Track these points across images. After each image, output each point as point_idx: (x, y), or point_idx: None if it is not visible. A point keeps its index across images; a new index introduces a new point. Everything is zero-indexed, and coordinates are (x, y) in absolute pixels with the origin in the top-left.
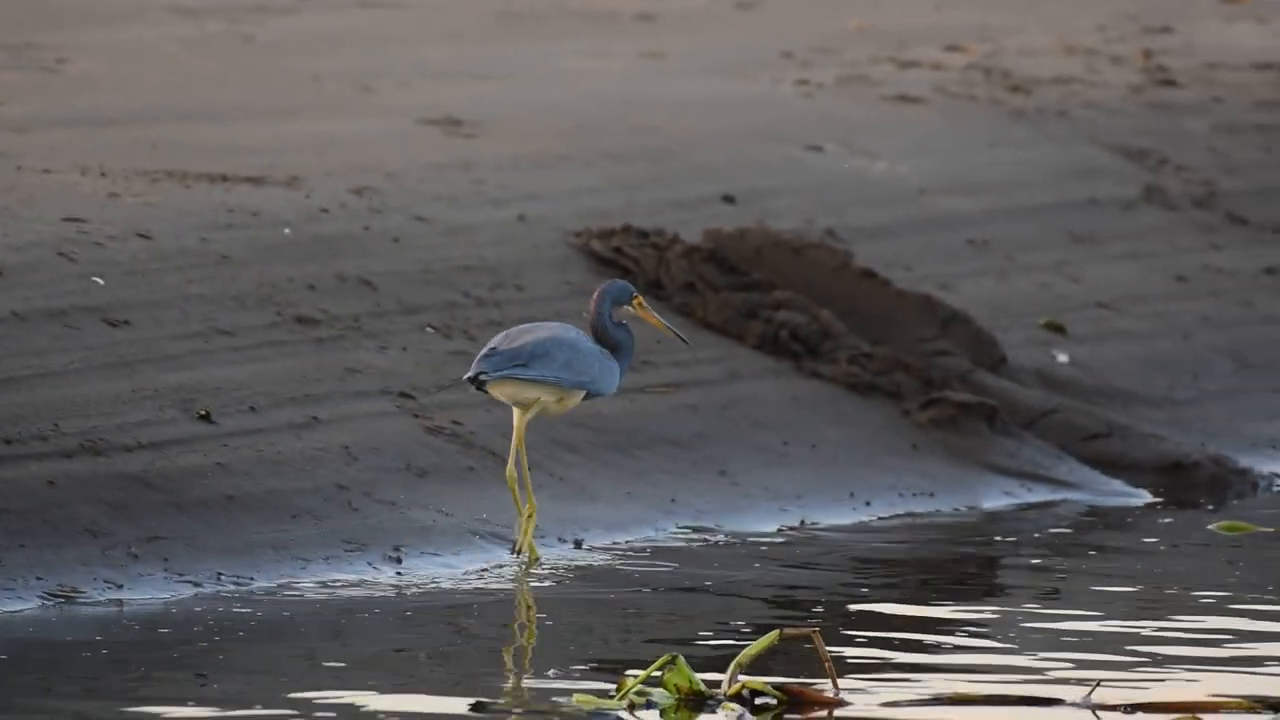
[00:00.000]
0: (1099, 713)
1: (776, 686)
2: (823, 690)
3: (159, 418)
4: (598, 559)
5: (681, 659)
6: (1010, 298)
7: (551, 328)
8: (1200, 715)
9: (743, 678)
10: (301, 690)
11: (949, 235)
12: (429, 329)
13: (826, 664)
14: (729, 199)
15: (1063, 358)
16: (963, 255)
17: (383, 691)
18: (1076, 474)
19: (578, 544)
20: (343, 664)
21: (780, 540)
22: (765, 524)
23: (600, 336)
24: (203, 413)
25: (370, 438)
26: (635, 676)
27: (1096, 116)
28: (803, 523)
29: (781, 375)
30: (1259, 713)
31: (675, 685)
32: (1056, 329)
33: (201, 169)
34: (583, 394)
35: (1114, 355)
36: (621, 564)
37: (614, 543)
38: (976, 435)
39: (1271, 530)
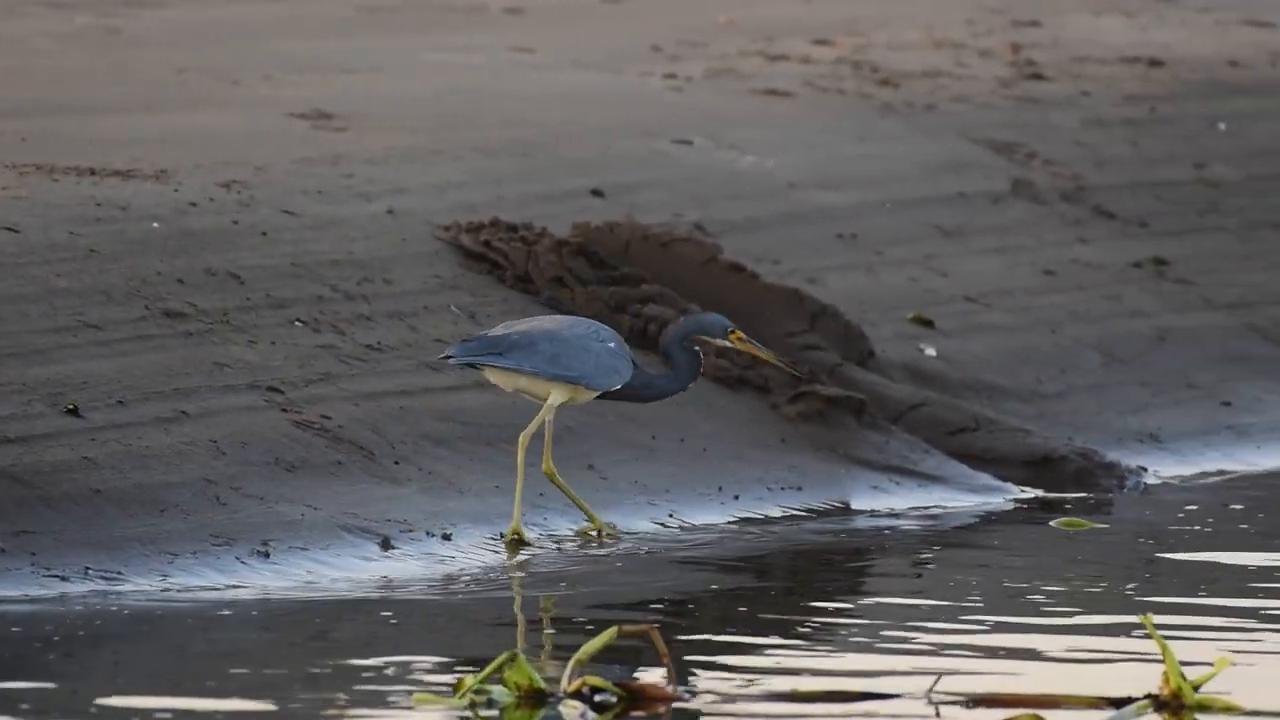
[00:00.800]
0: (940, 708)
1: (617, 684)
2: (662, 687)
3: (26, 412)
4: (461, 556)
5: (522, 656)
6: (878, 292)
7: (556, 320)
8: (1042, 711)
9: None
10: (120, 695)
11: (817, 229)
12: (297, 323)
13: (665, 660)
14: (598, 193)
15: (931, 352)
16: (831, 249)
17: (221, 694)
18: (944, 468)
19: (446, 537)
20: (187, 662)
21: (643, 534)
22: (633, 518)
23: (666, 355)
24: (70, 407)
25: (238, 432)
26: (475, 674)
27: (965, 110)
28: (671, 516)
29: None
30: (1101, 709)
31: (515, 683)
32: (924, 323)
33: (70, 162)
34: (582, 387)
35: (982, 349)
36: (477, 561)
37: (485, 539)
38: (844, 429)
39: (1105, 526)
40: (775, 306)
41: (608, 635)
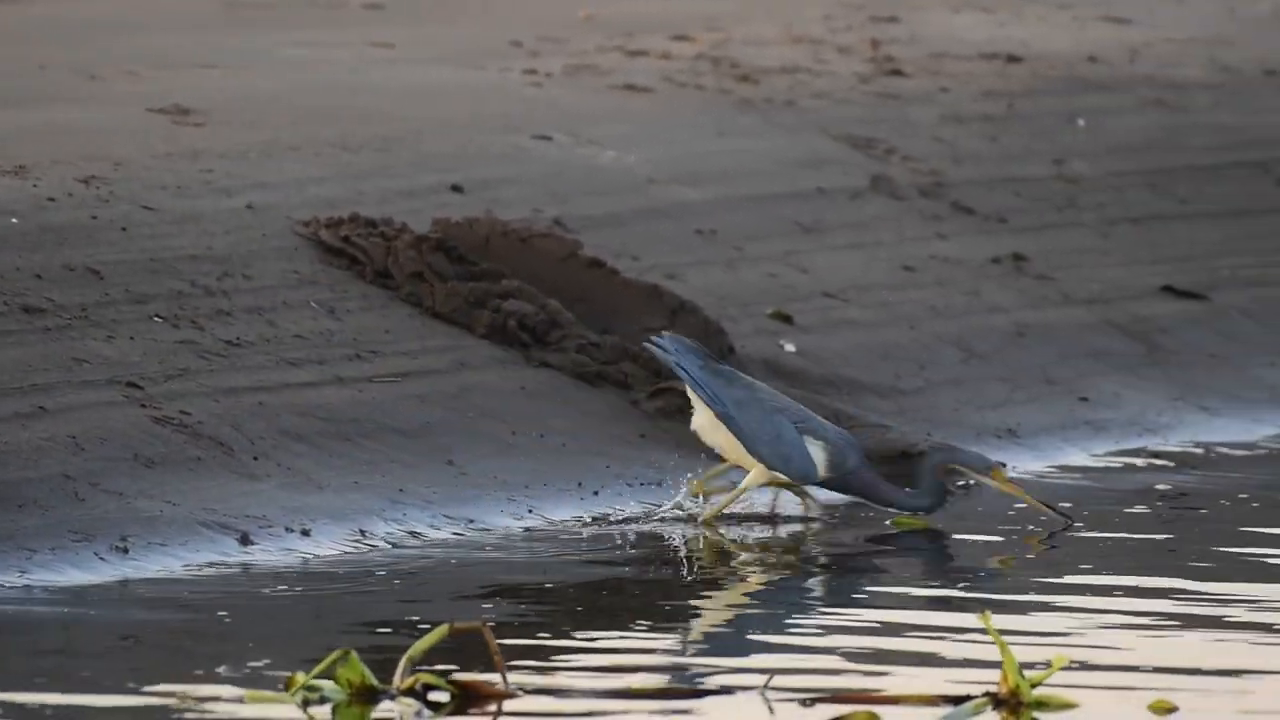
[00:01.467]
0: (774, 705)
1: (449, 680)
2: (493, 684)
3: None
4: (320, 552)
5: (354, 654)
6: (738, 287)
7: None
8: (879, 708)
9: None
10: None
11: (677, 225)
12: (156, 318)
13: (496, 658)
14: (457, 188)
15: (790, 347)
16: (691, 245)
17: (55, 689)
18: None
19: (305, 533)
20: (41, 659)
21: (494, 529)
22: (493, 514)
23: (914, 479)
24: None
25: (97, 428)
26: (307, 672)
27: (824, 106)
28: (530, 511)
29: (510, 365)
30: (939, 706)
31: (348, 680)
32: (784, 319)
33: None
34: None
35: (841, 345)
36: (335, 557)
37: (344, 535)
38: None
39: (941, 526)
40: (634, 302)
41: (439, 633)
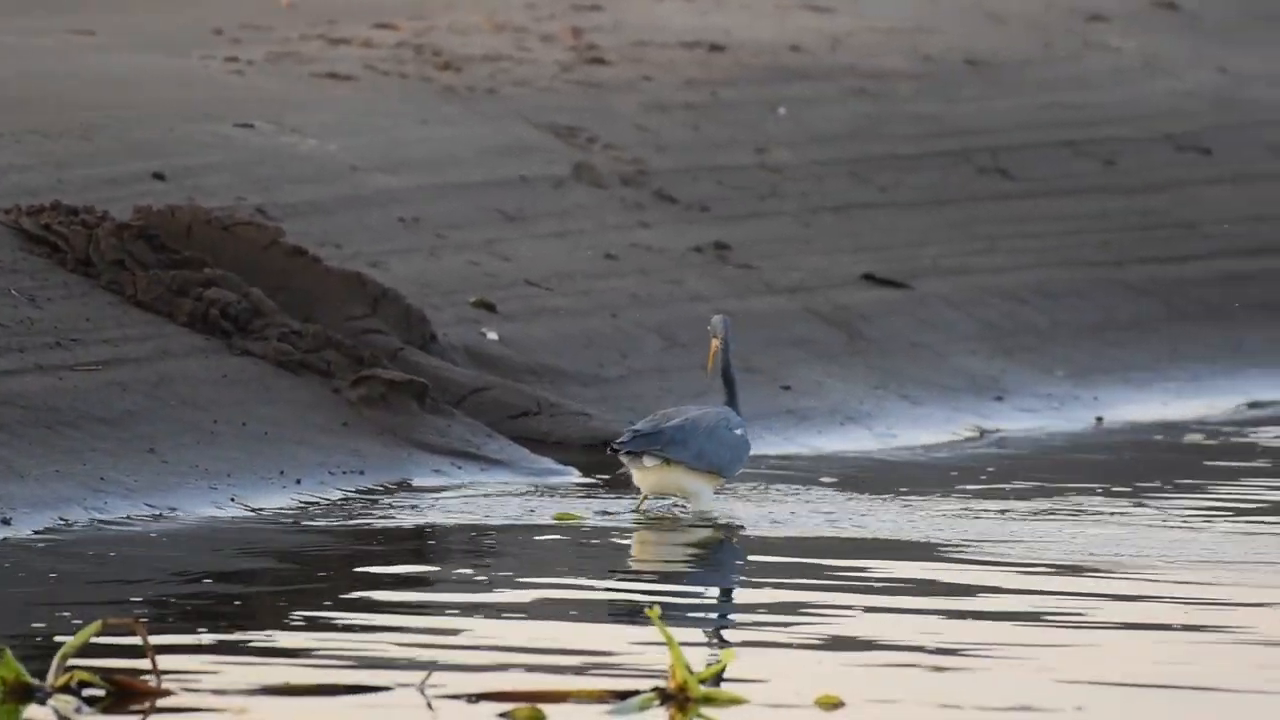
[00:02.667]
0: (434, 701)
1: (104, 677)
2: (146, 681)
3: None
4: (19, 540)
5: (8, 651)
6: (441, 275)
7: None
8: (547, 705)
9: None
10: None
11: (380, 213)
12: None
13: (149, 654)
14: (160, 176)
15: (493, 335)
16: (393, 233)
17: None
18: (506, 451)
19: (5, 521)
20: None
21: (193, 517)
22: (195, 503)
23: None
24: None
25: None
26: None
27: (526, 94)
28: (233, 500)
29: (212, 353)
30: (608, 702)
31: (2, 677)
32: (487, 307)
33: None
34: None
35: (544, 333)
36: (33, 545)
37: (45, 523)
38: (407, 413)
39: (604, 519)
40: (337, 290)
41: (92, 628)
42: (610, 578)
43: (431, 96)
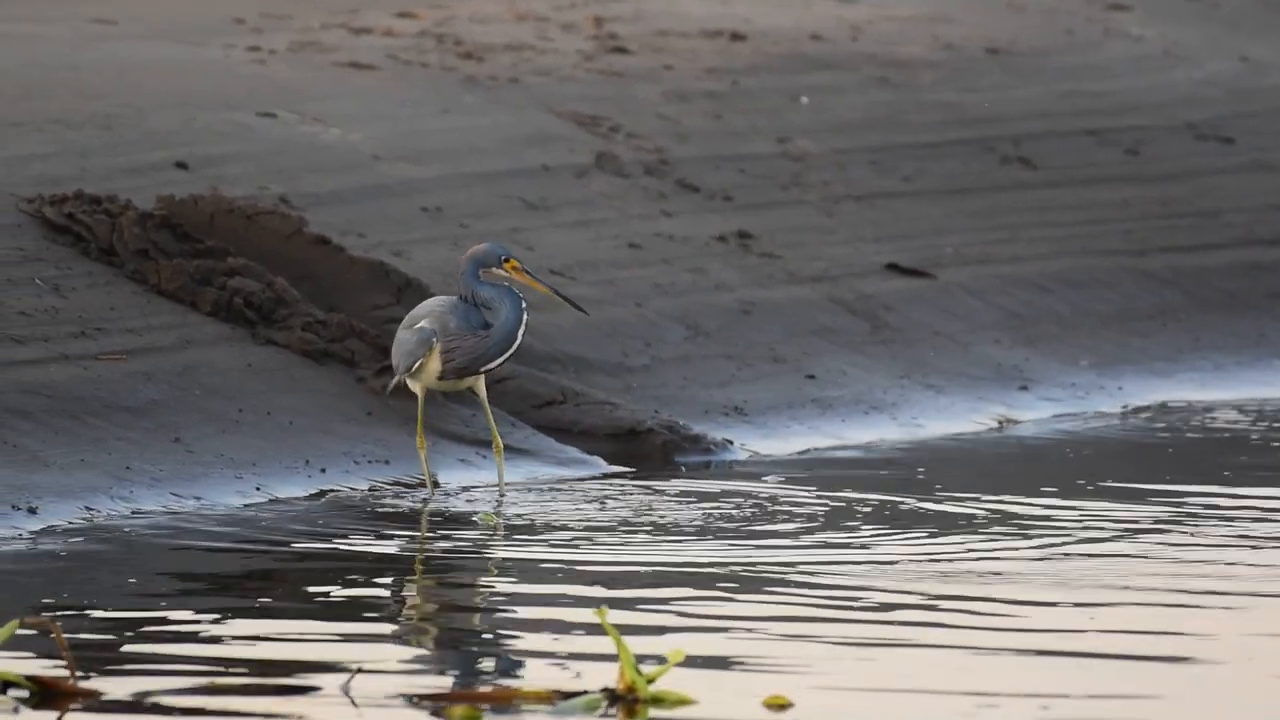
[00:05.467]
0: (358, 701)
1: (26, 677)
2: (64, 680)
3: None
4: (46, 529)
5: None
6: None
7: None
8: (491, 705)
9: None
10: None
11: (402, 202)
12: None
13: (65, 654)
14: (182, 165)
15: None
16: (417, 222)
17: None
18: (531, 441)
19: (32, 510)
20: None
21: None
22: (221, 493)
23: (471, 299)
24: None
25: None
26: None
27: (548, 84)
28: (258, 489)
29: (236, 342)
30: (553, 702)
31: None
32: None
33: None
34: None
35: (568, 322)
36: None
37: (72, 512)
38: (432, 402)
39: (529, 521)
40: (362, 279)
41: (9, 627)
42: (556, 576)
43: (453, 86)
